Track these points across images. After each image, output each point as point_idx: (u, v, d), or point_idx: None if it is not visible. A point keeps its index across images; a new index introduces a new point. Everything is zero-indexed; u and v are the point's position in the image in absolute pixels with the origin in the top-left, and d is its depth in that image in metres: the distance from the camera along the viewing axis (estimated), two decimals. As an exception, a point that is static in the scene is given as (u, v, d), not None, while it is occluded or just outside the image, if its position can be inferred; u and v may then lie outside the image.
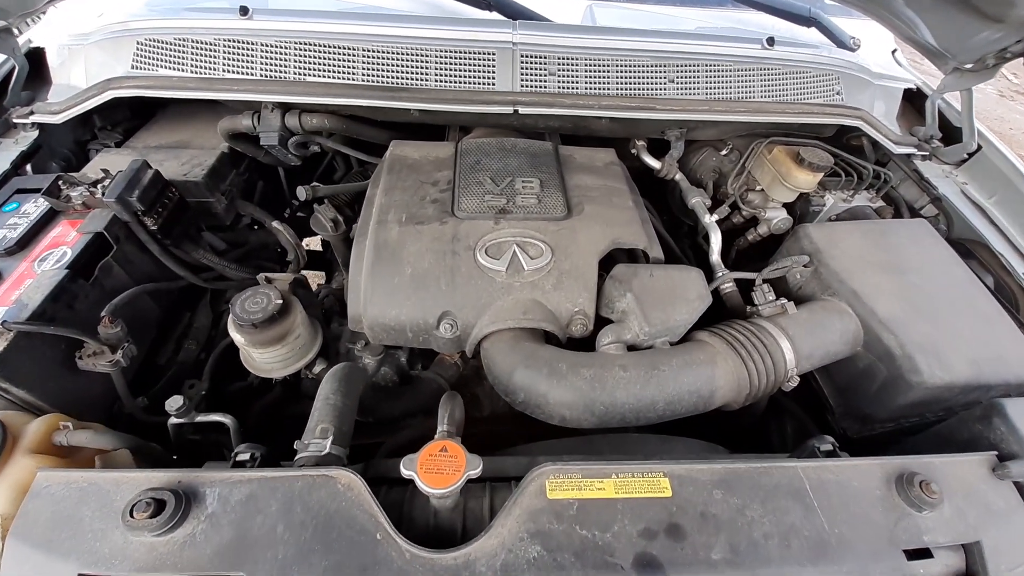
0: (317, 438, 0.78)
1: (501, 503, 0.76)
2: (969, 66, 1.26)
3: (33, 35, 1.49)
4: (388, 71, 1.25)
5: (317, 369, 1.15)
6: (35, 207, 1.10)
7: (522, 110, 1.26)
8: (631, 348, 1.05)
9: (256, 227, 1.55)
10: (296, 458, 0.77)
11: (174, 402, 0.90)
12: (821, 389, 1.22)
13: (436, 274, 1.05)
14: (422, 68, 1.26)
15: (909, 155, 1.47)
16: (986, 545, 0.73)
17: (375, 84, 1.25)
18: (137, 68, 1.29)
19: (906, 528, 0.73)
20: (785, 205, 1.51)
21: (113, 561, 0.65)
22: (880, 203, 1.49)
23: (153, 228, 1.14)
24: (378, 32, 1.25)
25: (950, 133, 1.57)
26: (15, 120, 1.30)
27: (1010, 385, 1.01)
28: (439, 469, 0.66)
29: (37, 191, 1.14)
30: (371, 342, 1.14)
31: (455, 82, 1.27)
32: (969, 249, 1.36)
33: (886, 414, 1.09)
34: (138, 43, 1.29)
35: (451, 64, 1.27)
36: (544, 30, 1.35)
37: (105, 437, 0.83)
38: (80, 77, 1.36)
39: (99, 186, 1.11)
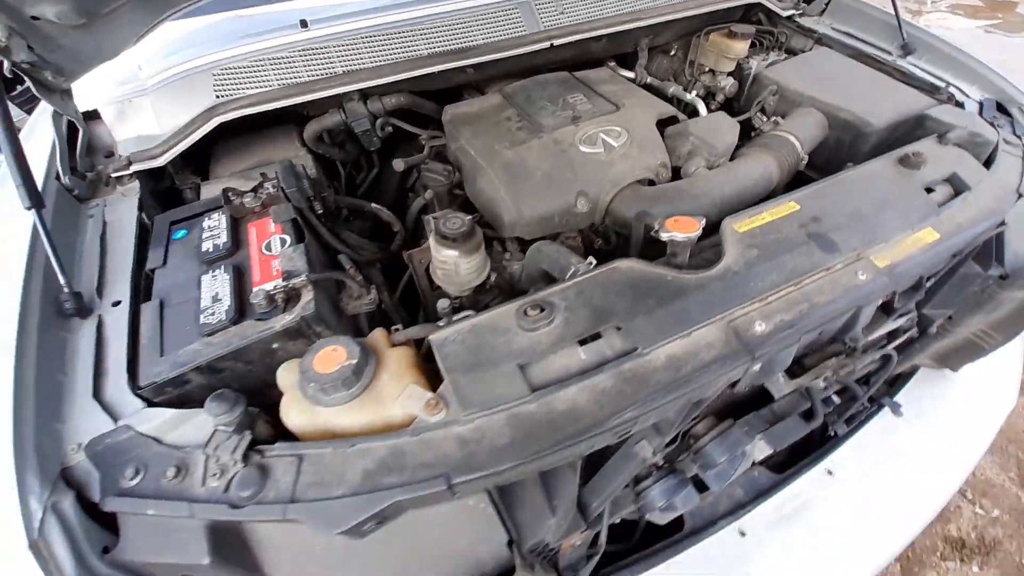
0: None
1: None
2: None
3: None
4: (445, 40, 1.54)
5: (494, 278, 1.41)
6: (215, 220, 1.21)
7: (556, 42, 1.63)
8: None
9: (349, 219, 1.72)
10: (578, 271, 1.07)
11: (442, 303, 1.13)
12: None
13: (561, 168, 1.38)
14: (470, 32, 1.56)
15: (790, 16, 2.08)
16: (960, 173, 1.26)
17: (438, 52, 1.53)
18: (222, 96, 1.41)
19: (918, 179, 1.23)
20: (729, 74, 2.06)
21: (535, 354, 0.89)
22: (785, 56, 2.10)
23: (320, 212, 1.31)
24: (432, 12, 1.53)
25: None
26: (113, 175, 1.35)
27: (913, 112, 1.57)
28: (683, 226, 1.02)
29: (188, 219, 1.25)
30: (525, 238, 1.42)
31: (497, 36, 1.59)
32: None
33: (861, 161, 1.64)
34: (214, 75, 1.41)
35: (490, 23, 1.59)
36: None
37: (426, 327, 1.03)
38: (151, 124, 1.42)
39: (260, 190, 1.25)
